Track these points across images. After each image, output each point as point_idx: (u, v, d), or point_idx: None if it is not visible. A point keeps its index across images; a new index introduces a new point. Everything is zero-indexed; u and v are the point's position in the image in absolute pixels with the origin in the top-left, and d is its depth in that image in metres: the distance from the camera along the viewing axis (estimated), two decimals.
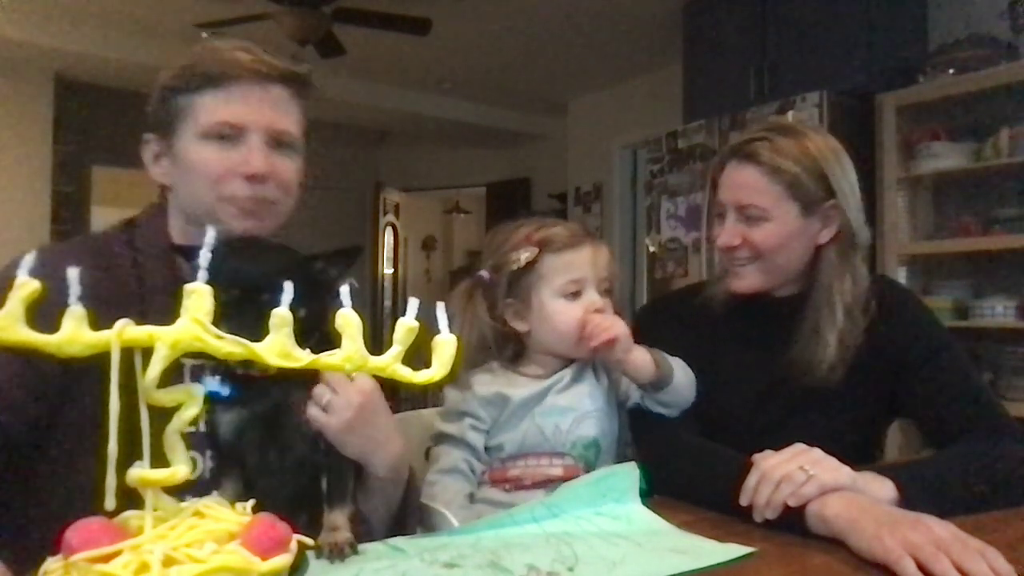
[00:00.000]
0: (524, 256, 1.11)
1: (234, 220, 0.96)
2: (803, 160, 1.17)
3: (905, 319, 1.23)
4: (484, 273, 1.15)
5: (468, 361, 1.13)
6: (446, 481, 1.08)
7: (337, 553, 0.74)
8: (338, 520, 0.81)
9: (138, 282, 0.96)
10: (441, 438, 1.12)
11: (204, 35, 0.95)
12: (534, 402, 1.11)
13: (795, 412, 1.21)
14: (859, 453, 1.24)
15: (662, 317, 1.35)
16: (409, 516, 1.01)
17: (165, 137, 0.99)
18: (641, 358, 1.10)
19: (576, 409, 1.12)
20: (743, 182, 1.21)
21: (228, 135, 0.95)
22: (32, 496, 0.91)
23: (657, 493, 1.03)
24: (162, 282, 0.96)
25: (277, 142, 0.98)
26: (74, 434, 0.90)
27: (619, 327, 1.08)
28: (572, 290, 1.11)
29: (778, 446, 0.95)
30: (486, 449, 1.12)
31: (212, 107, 0.95)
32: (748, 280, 1.23)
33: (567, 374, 1.14)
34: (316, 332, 0.70)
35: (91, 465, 0.81)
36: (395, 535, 0.89)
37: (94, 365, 0.81)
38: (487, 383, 1.12)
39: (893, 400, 1.23)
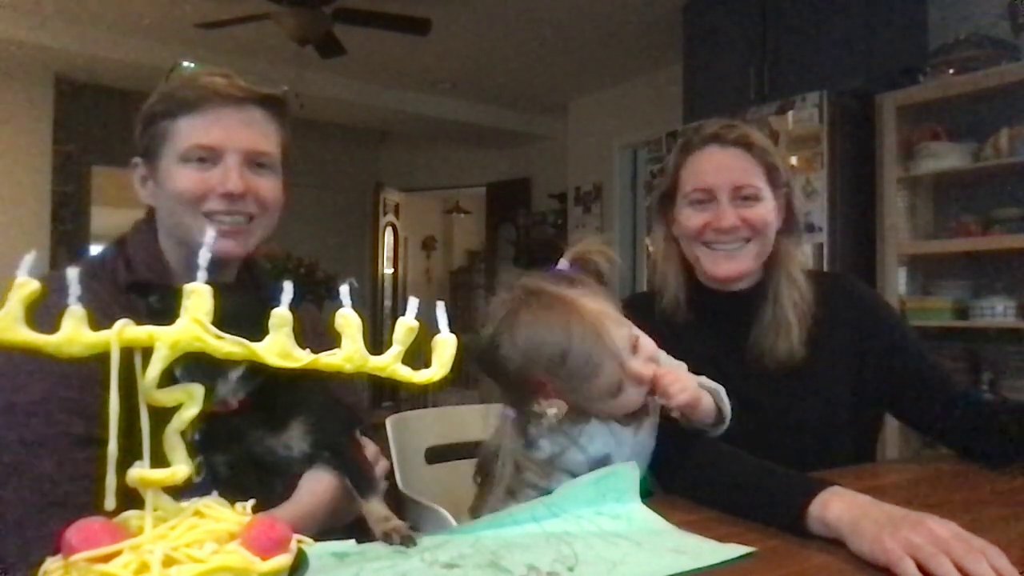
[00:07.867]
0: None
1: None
2: (772, 148, 1.26)
3: (855, 301, 1.30)
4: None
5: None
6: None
7: (406, 539, 0.77)
8: (379, 509, 0.83)
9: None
10: (527, 484, 0.98)
11: (183, 63, 1.03)
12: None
13: (770, 397, 1.23)
14: (848, 437, 1.27)
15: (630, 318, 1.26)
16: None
17: (150, 161, 1.03)
18: (707, 407, 1.03)
19: (645, 450, 1.04)
20: (735, 164, 1.24)
21: (206, 157, 0.99)
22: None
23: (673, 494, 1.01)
24: None
25: (254, 162, 1.02)
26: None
27: (692, 387, 1.00)
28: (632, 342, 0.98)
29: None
30: None
31: (189, 131, 0.99)
32: (741, 263, 1.25)
33: (648, 416, 1.04)
34: None
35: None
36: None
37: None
38: (594, 439, 1.00)
39: (863, 379, 1.26)
